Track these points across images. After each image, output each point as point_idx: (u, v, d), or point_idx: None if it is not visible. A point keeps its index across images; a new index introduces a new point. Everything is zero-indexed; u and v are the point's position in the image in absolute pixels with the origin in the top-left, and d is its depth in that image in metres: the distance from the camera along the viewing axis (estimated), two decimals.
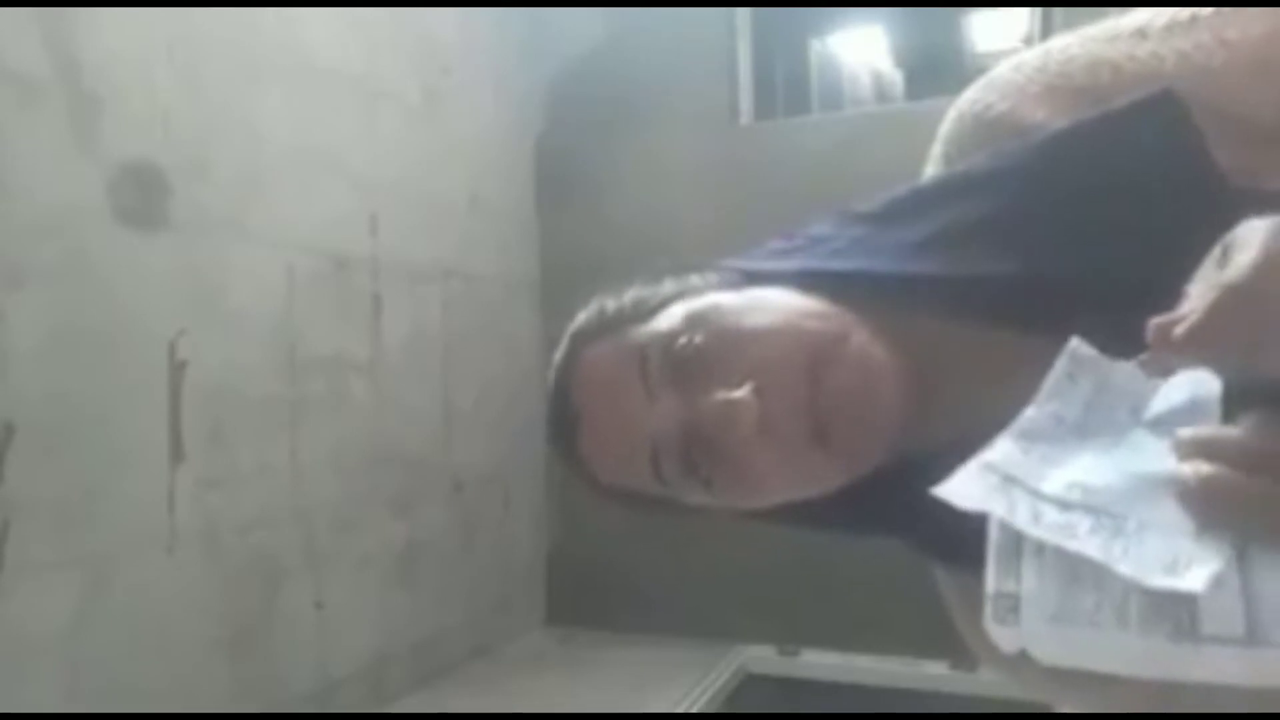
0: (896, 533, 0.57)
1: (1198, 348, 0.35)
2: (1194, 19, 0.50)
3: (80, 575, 1.27)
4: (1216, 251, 0.37)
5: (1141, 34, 0.51)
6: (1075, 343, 0.39)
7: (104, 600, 1.29)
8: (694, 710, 1.87)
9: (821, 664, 2.12)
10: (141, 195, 1.37)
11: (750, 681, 2.13)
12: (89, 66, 1.29)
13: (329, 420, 1.72)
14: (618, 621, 2.29)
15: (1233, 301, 0.34)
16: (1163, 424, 0.36)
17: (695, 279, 0.60)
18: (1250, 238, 0.36)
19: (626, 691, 1.92)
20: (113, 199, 1.33)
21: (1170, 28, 0.50)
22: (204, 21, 1.47)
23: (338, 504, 1.73)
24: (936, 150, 0.59)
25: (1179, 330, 0.35)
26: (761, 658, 2.16)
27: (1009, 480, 0.37)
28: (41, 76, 1.24)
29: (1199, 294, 0.36)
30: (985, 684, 1.83)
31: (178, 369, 1.41)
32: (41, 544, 1.22)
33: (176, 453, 1.41)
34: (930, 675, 2.00)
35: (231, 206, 1.52)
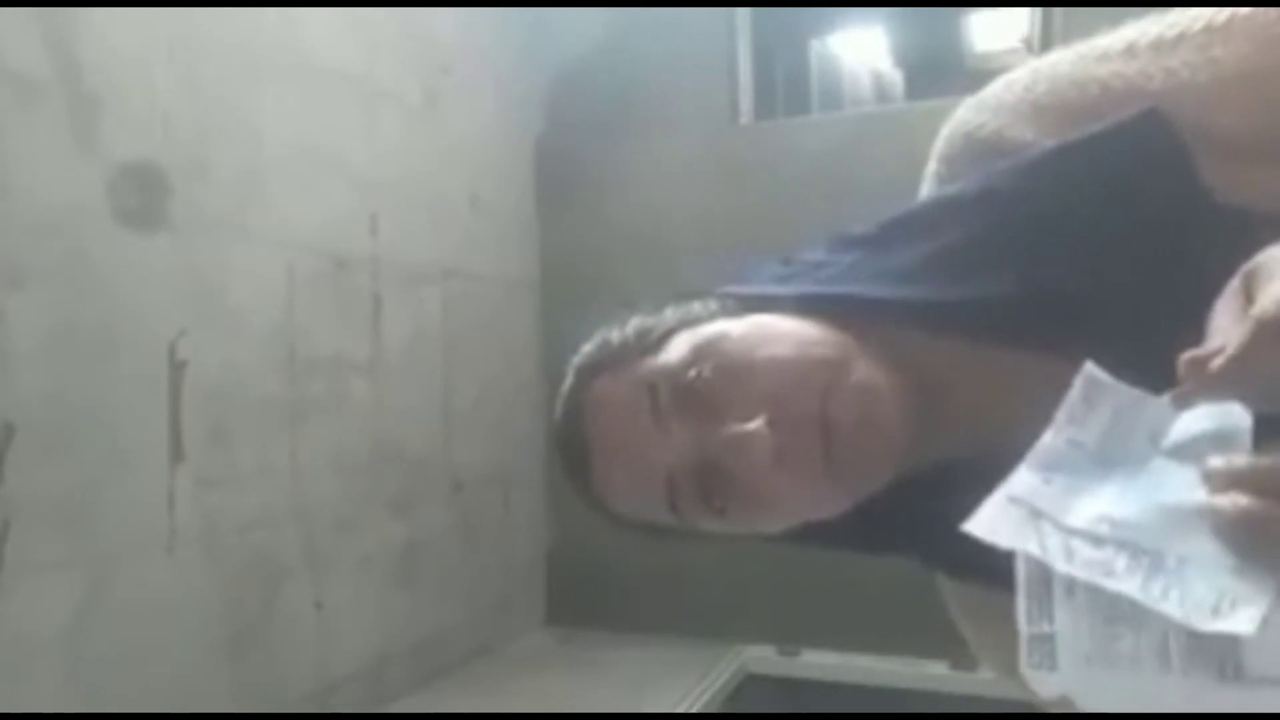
0: (905, 550, 0.58)
1: (1234, 383, 0.34)
2: (1181, 37, 0.50)
3: (80, 575, 1.27)
4: (1236, 282, 0.37)
5: (1130, 52, 0.51)
6: (1090, 367, 0.38)
7: (104, 600, 1.29)
8: (694, 710, 1.87)
9: (821, 664, 2.12)
10: (141, 195, 1.37)
11: (750, 681, 2.13)
12: (89, 66, 1.29)
13: (329, 420, 1.72)
14: (618, 621, 2.29)
15: (1268, 334, 0.33)
16: (1185, 453, 0.35)
17: (697, 306, 0.61)
18: (1276, 267, 0.35)
19: (626, 691, 1.92)
20: (113, 199, 1.33)
21: (1158, 45, 0.50)
22: (204, 21, 1.47)
23: (338, 504, 1.73)
24: (931, 169, 0.60)
25: (1215, 364, 0.34)
26: (761, 658, 2.16)
27: (1035, 514, 0.36)
28: (41, 76, 1.24)
29: (1226, 327, 0.36)
30: (985, 684, 1.83)
31: (178, 369, 1.41)
32: (41, 544, 1.22)
33: (176, 453, 1.41)
34: (930, 675, 2.00)
35: (231, 206, 1.52)
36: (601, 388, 0.59)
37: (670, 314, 0.60)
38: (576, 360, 0.62)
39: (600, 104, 2.39)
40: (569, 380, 0.61)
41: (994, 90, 0.57)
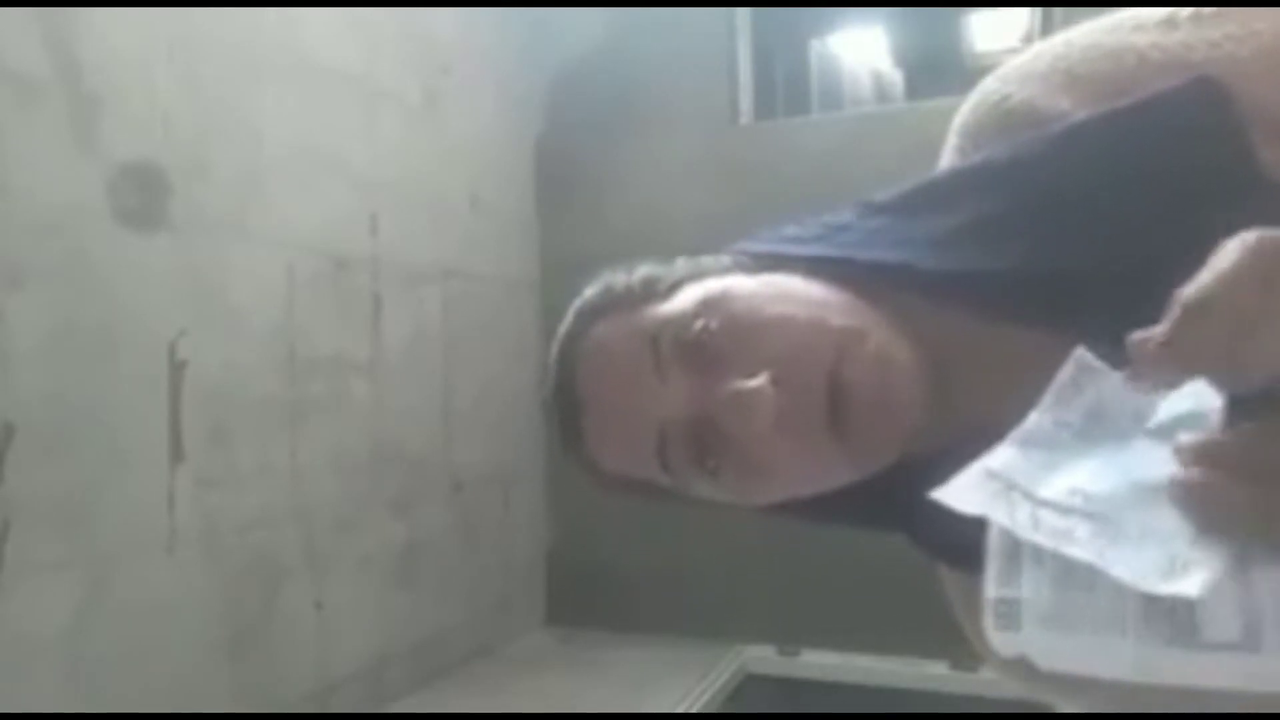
0: (903, 530, 0.56)
1: (1166, 363, 0.35)
2: (1223, 9, 0.49)
3: (80, 575, 1.27)
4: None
5: (1170, 23, 0.50)
6: (1080, 351, 0.39)
7: (104, 600, 1.29)
8: (694, 710, 1.87)
9: (821, 664, 2.12)
10: (141, 195, 1.37)
11: (750, 681, 2.13)
12: (89, 66, 1.29)
13: (329, 420, 1.72)
14: (618, 621, 2.29)
15: (1195, 317, 0.34)
16: (1166, 432, 0.36)
17: (708, 260, 0.58)
18: (1221, 254, 0.35)
19: (626, 691, 1.92)
20: (113, 199, 1.33)
21: (1199, 17, 0.49)
22: (204, 21, 1.47)
23: (338, 504, 1.73)
24: (952, 142, 0.58)
25: (1149, 347, 0.35)
26: (761, 658, 2.16)
27: (1010, 486, 0.37)
28: (41, 76, 1.24)
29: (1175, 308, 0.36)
30: (985, 684, 1.83)
31: (178, 369, 1.41)
32: (41, 544, 1.22)
33: (176, 453, 1.41)
34: (930, 675, 2.00)
35: (231, 206, 1.52)
36: (600, 334, 0.56)
37: (681, 265, 0.58)
38: (577, 303, 0.58)
39: (600, 104, 2.39)
40: (566, 323, 0.58)
41: (1022, 61, 0.55)
